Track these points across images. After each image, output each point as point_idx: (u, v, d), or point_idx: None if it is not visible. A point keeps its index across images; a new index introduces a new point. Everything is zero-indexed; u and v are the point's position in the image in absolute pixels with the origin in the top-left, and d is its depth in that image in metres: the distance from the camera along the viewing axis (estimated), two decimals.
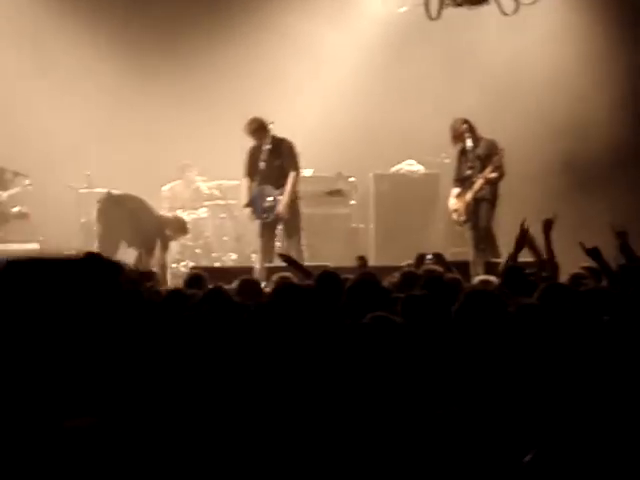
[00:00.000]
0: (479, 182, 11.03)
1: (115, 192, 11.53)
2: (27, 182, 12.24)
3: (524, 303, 4.87)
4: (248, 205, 11.20)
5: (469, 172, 11.15)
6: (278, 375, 4.08)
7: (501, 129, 11.79)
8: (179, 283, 8.99)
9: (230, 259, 12.95)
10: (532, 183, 12.66)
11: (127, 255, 11.14)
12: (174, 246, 12.75)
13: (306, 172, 12.09)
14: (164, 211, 13.09)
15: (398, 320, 3.89)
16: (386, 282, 6.61)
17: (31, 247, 12.43)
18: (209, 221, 13.11)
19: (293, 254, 10.98)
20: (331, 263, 9.41)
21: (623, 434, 3.12)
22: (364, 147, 13.16)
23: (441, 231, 12.85)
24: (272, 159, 11.05)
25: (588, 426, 3.40)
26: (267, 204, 11.04)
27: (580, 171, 13.05)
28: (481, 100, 12.64)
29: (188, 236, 12.41)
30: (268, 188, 11.05)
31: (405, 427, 3.45)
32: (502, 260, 8.81)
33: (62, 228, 11.98)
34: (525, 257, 7.63)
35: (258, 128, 11.04)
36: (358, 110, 13.35)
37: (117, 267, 6.09)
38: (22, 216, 12.36)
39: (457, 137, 11.18)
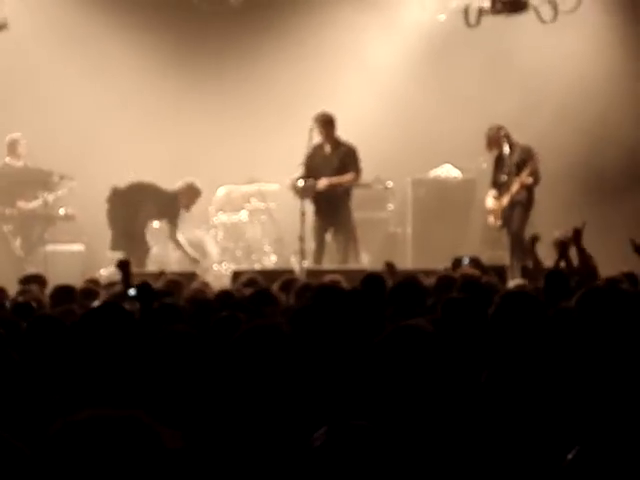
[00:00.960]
0: (515, 186, 11.13)
1: (120, 186, 11.82)
2: (73, 184, 12.47)
3: (563, 306, 4.95)
4: (293, 187, 11.21)
5: (505, 178, 11.27)
6: (313, 379, 4.15)
7: (536, 134, 11.91)
8: (222, 285, 9.21)
9: (270, 261, 13.10)
10: (557, 189, 12.69)
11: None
12: (214, 248, 12.96)
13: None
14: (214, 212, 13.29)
15: (428, 328, 3.96)
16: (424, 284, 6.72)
17: (77, 248, 12.67)
18: (249, 224, 13.26)
19: (348, 255, 11.16)
20: (369, 267, 9.55)
21: None
22: (402, 152, 13.24)
23: (477, 235, 12.93)
24: (332, 160, 11.20)
25: (629, 429, 3.46)
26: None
27: (600, 179, 13.11)
28: (518, 106, 12.74)
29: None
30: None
31: (442, 431, 3.54)
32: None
33: (107, 230, 12.18)
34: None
35: (329, 121, 11.15)
36: (397, 115, 13.45)
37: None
38: (68, 218, 12.57)
39: (493, 143, 11.30)
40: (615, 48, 13.48)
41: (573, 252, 7.46)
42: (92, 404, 2.57)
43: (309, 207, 11.27)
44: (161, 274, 8.94)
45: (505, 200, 11.25)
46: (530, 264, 7.75)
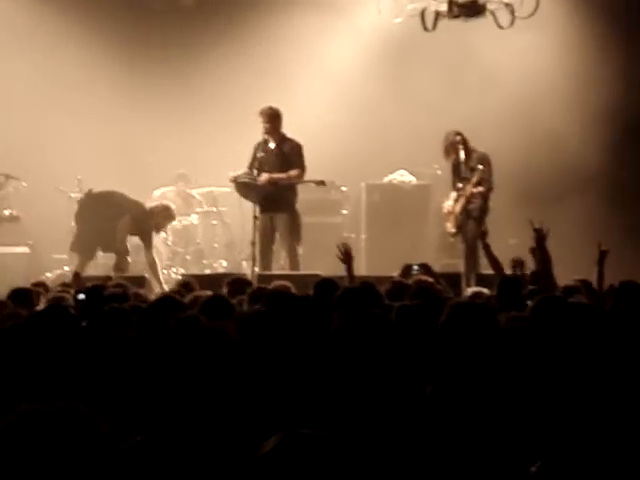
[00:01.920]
0: (465, 195, 11.00)
1: (95, 191, 11.56)
2: (21, 184, 12.22)
3: (515, 316, 4.85)
4: (234, 180, 10.99)
5: (460, 185, 11.15)
6: (266, 383, 4.06)
7: (492, 138, 11.80)
8: (169, 289, 8.99)
9: (221, 266, 12.93)
10: (511, 192, 12.62)
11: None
12: (165, 252, 12.76)
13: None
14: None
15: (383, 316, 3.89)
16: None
17: (21, 250, 12.39)
18: (200, 228, 13.09)
19: (288, 260, 10.94)
20: (322, 272, 9.38)
21: (621, 444, 3.11)
22: (357, 157, 13.16)
23: (433, 242, 12.85)
24: (276, 155, 10.95)
25: (584, 437, 3.39)
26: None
27: (550, 182, 13.08)
28: (475, 110, 12.67)
29: (176, 236, 12.46)
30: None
31: (393, 435, 3.44)
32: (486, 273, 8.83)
33: (52, 232, 11.93)
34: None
35: (275, 115, 10.90)
36: (351, 120, 13.37)
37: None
38: (13, 219, 12.33)
39: (450, 149, 11.16)
40: (574, 51, 13.46)
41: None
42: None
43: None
44: (109, 278, 8.78)
45: (458, 207, 11.11)
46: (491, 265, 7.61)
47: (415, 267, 8.24)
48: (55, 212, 12.27)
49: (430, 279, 7.33)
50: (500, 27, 12.22)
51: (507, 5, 11.57)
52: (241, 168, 11.11)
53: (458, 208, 11.09)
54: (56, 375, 4.38)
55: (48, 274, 11.86)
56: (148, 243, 11.47)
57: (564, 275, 7.26)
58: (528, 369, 3.99)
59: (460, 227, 11.10)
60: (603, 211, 12.87)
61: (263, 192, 10.83)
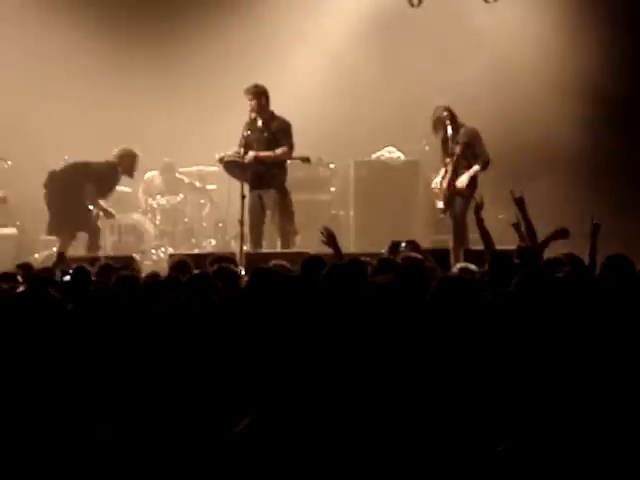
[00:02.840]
0: (466, 175, 10.94)
1: (57, 170, 11.54)
2: (7, 163, 12.18)
3: (502, 291, 4.85)
4: (221, 160, 10.95)
5: (448, 160, 11.12)
6: (253, 361, 4.06)
7: (479, 116, 11.77)
8: (160, 269, 8.97)
9: (210, 245, 12.91)
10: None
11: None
12: (153, 231, 12.73)
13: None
14: (142, 195, 13.08)
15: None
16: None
17: (9, 231, 12.35)
18: (188, 207, 13.06)
19: (285, 238, 10.90)
20: (311, 250, 9.37)
21: (598, 424, 3.12)
22: (345, 133, 13.14)
23: (421, 218, 12.84)
24: (263, 133, 10.88)
25: (563, 415, 3.39)
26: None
27: (528, 156, 13.07)
28: (464, 84, 12.63)
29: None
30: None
31: (377, 416, 3.44)
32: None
33: (40, 213, 11.88)
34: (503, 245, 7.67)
35: (261, 93, 10.82)
36: (339, 97, 13.32)
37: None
38: (0, 200, 12.28)
39: (437, 124, 11.11)
40: (560, 26, 13.38)
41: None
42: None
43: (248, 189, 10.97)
44: (96, 259, 8.73)
45: (445, 183, 11.08)
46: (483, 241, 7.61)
47: (403, 244, 8.23)
48: (42, 193, 12.20)
49: (418, 256, 7.32)
50: (486, 1, 12.23)
51: None
52: (229, 147, 11.06)
53: (445, 184, 11.07)
54: (41, 358, 4.37)
55: (36, 255, 11.83)
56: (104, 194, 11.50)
57: (553, 250, 7.27)
58: (513, 343, 4.00)
59: (449, 203, 11.08)
60: (579, 186, 12.88)
61: (251, 170, 10.79)
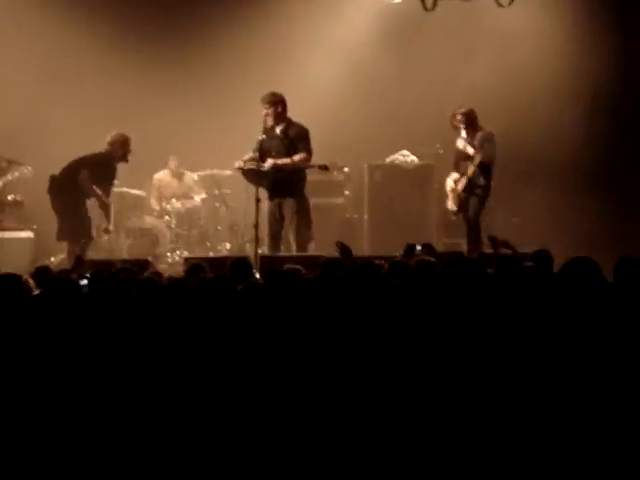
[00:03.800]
0: (470, 169, 10.97)
1: (56, 174, 11.54)
2: (27, 169, 12.25)
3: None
4: (240, 169, 10.92)
5: (462, 163, 11.15)
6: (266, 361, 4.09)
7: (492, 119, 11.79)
8: (175, 272, 9.02)
9: (225, 248, 12.95)
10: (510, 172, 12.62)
11: None
12: (168, 235, 12.79)
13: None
14: (154, 199, 13.13)
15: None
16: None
17: (26, 235, 12.42)
18: (203, 210, 13.11)
19: (293, 242, 10.92)
20: (325, 253, 9.40)
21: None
22: (359, 137, 13.15)
23: (435, 222, 12.86)
24: (282, 141, 10.90)
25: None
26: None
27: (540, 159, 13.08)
28: (476, 90, 12.64)
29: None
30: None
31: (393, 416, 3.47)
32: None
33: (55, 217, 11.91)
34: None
35: (278, 102, 10.84)
36: (353, 100, 13.34)
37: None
38: (17, 204, 12.34)
39: (453, 127, 11.16)
40: (570, 29, 13.37)
41: None
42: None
43: (264, 194, 11.02)
44: (112, 263, 8.78)
45: (460, 186, 11.12)
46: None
47: (418, 247, 8.26)
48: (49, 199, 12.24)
49: (432, 259, 7.35)
50: (500, 5, 12.26)
51: None
52: (244, 153, 11.10)
53: (460, 186, 11.10)
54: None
55: (52, 259, 11.89)
56: (107, 191, 11.47)
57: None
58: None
59: (462, 206, 11.11)
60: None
61: (270, 178, 10.84)
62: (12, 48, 13.11)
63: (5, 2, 13.28)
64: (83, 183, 11.48)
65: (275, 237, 10.95)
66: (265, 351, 4.18)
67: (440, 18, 12.80)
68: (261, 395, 3.79)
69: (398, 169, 13.20)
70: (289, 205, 10.91)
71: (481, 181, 10.99)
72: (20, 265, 10.12)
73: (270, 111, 10.86)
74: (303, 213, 10.96)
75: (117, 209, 12.26)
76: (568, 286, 4.75)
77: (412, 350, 3.89)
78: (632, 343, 4.20)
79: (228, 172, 12.52)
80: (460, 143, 11.09)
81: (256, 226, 10.74)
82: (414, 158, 13.28)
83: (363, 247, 12.65)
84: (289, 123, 10.97)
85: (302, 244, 10.93)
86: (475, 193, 11.03)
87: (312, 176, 12.05)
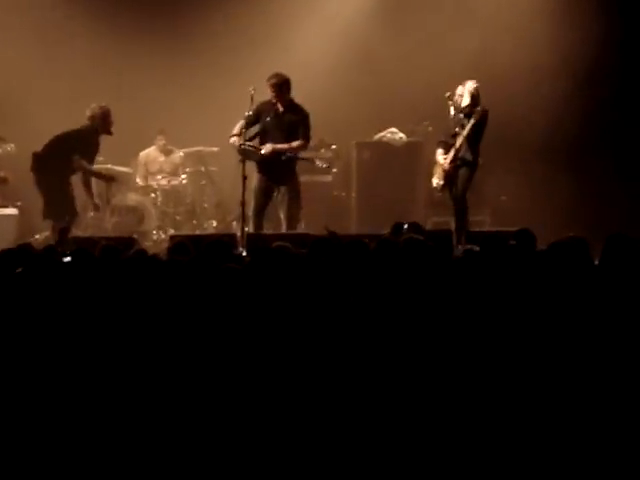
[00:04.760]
0: (458, 140, 10.81)
1: (39, 151, 11.36)
2: (11, 146, 12.11)
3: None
4: (237, 135, 10.79)
5: (444, 139, 11.01)
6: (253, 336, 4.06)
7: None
8: (161, 250, 8.94)
9: (211, 226, 12.87)
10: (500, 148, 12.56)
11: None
12: (154, 213, 12.70)
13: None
14: (139, 177, 13.04)
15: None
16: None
17: (10, 212, 12.31)
18: (189, 188, 13.02)
19: (285, 221, 10.87)
20: (312, 231, 9.34)
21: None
22: (347, 115, 13.08)
23: (423, 200, 12.80)
24: (283, 122, 10.82)
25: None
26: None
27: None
28: (468, 69, 12.55)
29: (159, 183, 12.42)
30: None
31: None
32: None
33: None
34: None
35: (284, 83, 10.74)
36: (341, 78, 13.27)
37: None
38: (1, 181, 12.24)
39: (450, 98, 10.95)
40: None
41: None
42: None
43: (250, 171, 10.92)
44: (97, 240, 8.68)
45: (447, 162, 10.96)
46: None
47: (405, 225, 8.22)
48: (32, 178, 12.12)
49: (420, 237, 7.29)
50: None
51: None
52: (227, 128, 10.98)
53: (447, 163, 10.91)
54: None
55: (37, 236, 11.80)
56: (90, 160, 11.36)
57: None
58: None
59: (447, 180, 10.90)
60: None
61: (267, 160, 10.75)
62: (8, 23, 13.01)
63: None
64: (80, 168, 11.30)
65: (260, 214, 10.87)
66: (256, 330, 4.13)
67: None
68: (253, 375, 3.74)
69: (386, 147, 13.15)
70: (282, 191, 10.84)
71: (468, 157, 10.86)
72: (4, 242, 10.00)
73: (274, 92, 10.74)
74: (294, 195, 10.89)
75: (103, 186, 12.13)
76: (554, 264, 4.73)
77: (404, 329, 3.84)
78: (618, 320, 4.19)
79: (214, 149, 12.43)
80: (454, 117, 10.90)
81: (243, 203, 10.68)
82: (403, 136, 13.22)
83: (351, 225, 12.61)
84: (291, 105, 10.87)
85: (292, 223, 10.88)
86: (462, 168, 10.89)
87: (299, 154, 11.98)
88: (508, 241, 6.65)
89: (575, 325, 4.12)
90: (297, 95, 11.04)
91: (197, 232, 12.35)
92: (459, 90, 10.83)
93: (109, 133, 11.40)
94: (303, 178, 12.03)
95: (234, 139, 10.85)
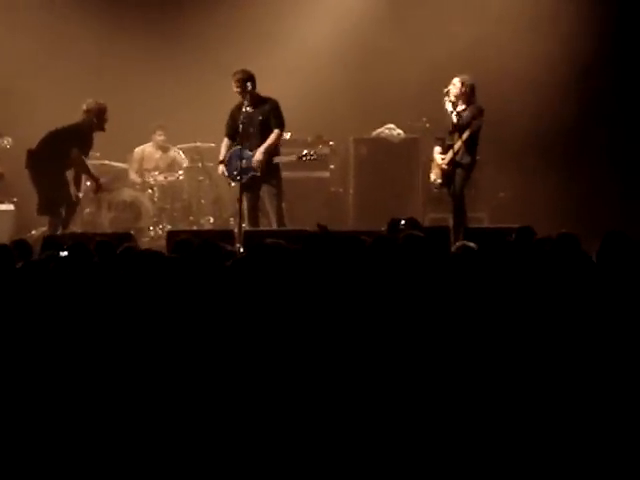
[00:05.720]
0: (457, 144, 10.80)
1: (34, 148, 11.30)
2: (7, 140, 12.08)
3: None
4: (222, 162, 10.98)
5: (441, 136, 10.98)
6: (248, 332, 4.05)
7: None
8: (158, 246, 8.92)
9: (208, 222, 12.85)
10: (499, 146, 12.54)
11: None
12: (151, 208, 12.67)
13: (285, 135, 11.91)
14: (133, 173, 13.01)
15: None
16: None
17: (6, 207, 12.30)
18: (186, 184, 12.99)
19: (274, 218, 10.87)
20: (310, 227, 9.31)
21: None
22: (344, 111, 13.08)
23: (421, 196, 12.78)
24: (254, 118, 10.83)
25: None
26: (243, 165, 10.84)
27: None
28: (465, 65, 12.52)
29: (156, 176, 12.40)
30: (246, 150, 10.85)
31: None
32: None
33: None
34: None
35: (248, 78, 10.72)
36: (339, 74, 13.26)
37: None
38: None
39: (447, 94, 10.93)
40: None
41: None
42: None
43: None
44: (91, 236, 8.66)
45: (446, 160, 10.92)
46: None
47: (402, 222, 8.20)
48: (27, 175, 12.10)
49: (420, 234, 7.27)
50: None
51: None
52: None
53: (445, 160, 10.89)
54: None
55: (33, 232, 11.77)
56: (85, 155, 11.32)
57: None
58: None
59: (445, 178, 10.89)
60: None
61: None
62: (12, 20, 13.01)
63: None
64: (78, 161, 11.23)
65: (253, 210, 10.87)
66: (251, 326, 4.12)
67: None
68: (249, 371, 3.73)
69: (384, 143, 13.12)
70: (265, 190, 10.83)
71: (466, 159, 10.83)
72: (0, 238, 9.99)
73: (239, 88, 10.72)
74: (279, 192, 10.89)
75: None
76: (552, 260, 4.74)
77: (399, 324, 3.83)
78: (616, 316, 4.18)
79: (212, 144, 12.40)
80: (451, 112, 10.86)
81: (240, 200, 10.67)
82: (400, 132, 13.19)
83: (348, 221, 12.60)
84: (258, 98, 10.82)
85: (281, 219, 10.87)
86: (460, 167, 10.87)
87: (296, 150, 11.97)
88: (507, 238, 6.64)
89: (573, 321, 4.11)
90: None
91: (194, 228, 12.32)
92: (454, 80, 10.82)
93: (102, 129, 11.36)
94: (300, 174, 12.04)
95: (221, 168, 10.91)
